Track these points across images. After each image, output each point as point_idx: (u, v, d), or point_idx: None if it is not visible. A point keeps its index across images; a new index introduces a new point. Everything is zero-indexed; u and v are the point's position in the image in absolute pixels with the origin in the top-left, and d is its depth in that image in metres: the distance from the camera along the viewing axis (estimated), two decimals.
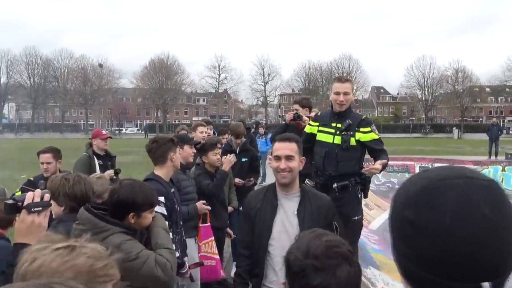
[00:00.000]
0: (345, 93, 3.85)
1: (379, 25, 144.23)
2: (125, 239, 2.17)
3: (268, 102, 77.24)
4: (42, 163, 4.38)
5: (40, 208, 1.66)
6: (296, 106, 5.16)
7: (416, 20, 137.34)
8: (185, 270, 3.28)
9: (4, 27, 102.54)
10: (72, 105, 70.48)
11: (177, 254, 3.14)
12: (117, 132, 57.99)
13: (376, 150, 3.88)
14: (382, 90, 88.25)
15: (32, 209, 1.64)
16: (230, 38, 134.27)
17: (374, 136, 3.89)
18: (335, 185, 3.86)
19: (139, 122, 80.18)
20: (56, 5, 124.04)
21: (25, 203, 1.65)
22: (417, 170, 13.09)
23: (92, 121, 74.00)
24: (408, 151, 22.50)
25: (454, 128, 56.04)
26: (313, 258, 1.26)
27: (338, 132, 3.89)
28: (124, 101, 77.35)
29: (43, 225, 1.67)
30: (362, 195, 3.98)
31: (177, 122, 68.35)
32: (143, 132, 59.78)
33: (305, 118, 4.74)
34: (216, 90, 76.70)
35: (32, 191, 1.70)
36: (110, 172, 4.92)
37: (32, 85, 69.75)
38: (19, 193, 3.31)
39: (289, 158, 2.49)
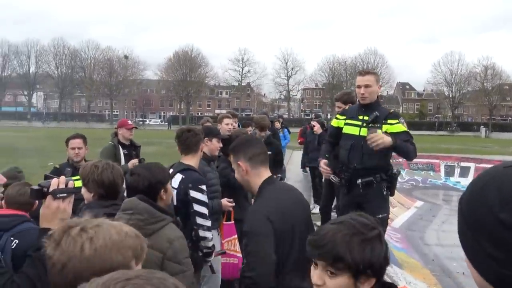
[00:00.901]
0: (366, 86, 3.80)
1: (405, 21, 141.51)
2: (178, 236, 2.26)
3: (291, 96, 76.88)
4: (73, 148, 4.44)
5: (65, 194, 1.70)
6: (339, 104, 5.09)
7: (443, 16, 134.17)
8: (211, 259, 3.30)
9: (34, 18, 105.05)
10: (98, 96, 71.77)
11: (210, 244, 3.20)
12: (141, 123, 58.76)
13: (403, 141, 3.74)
14: (407, 87, 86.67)
15: (57, 195, 1.68)
16: (254, 31, 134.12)
17: (402, 127, 3.77)
18: (359, 180, 3.80)
19: (162, 114, 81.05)
20: None
21: (51, 189, 1.68)
22: (442, 169, 12.84)
23: (117, 111, 75.14)
24: (433, 149, 22.03)
25: (482, 126, 54.63)
26: None
27: (364, 124, 3.83)
28: (148, 93, 78.29)
29: (68, 211, 1.71)
30: (389, 193, 3.90)
31: (200, 114, 68.88)
32: (166, 123, 60.40)
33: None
34: (239, 83, 76.76)
35: (56, 178, 1.73)
36: (135, 161, 4.99)
37: (60, 75, 71.40)
38: None
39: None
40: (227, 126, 5.38)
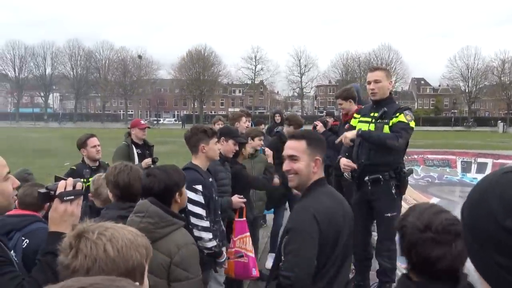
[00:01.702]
0: (376, 81, 3.82)
1: (419, 16, 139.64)
2: (188, 241, 2.25)
3: (304, 93, 76.61)
4: (94, 146, 4.49)
5: (72, 197, 1.66)
6: (339, 101, 5.09)
7: (458, 10, 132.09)
8: (223, 259, 3.29)
9: (50, 21, 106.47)
10: (113, 96, 72.57)
11: (215, 243, 3.18)
12: (155, 122, 59.19)
13: (392, 131, 3.70)
14: (422, 82, 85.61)
15: (64, 198, 1.65)
16: (266, 29, 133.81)
17: (400, 118, 3.70)
18: (366, 178, 3.81)
19: (176, 113, 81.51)
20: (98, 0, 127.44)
21: (57, 192, 1.65)
22: (459, 165, 12.65)
23: (132, 111, 75.84)
24: (449, 145, 21.74)
25: (499, 121, 53.68)
26: (434, 232, 1.46)
27: (373, 121, 3.85)
28: (162, 92, 78.81)
29: (76, 213, 1.68)
30: (398, 191, 3.84)
31: (213, 113, 69.04)
32: (180, 122, 60.74)
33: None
34: (252, 81, 76.76)
35: (64, 179, 1.71)
36: (148, 160, 5.03)
37: (75, 76, 72.38)
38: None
39: (292, 158, 2.22)
40: (245, 124, 5.37)
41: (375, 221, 4.16)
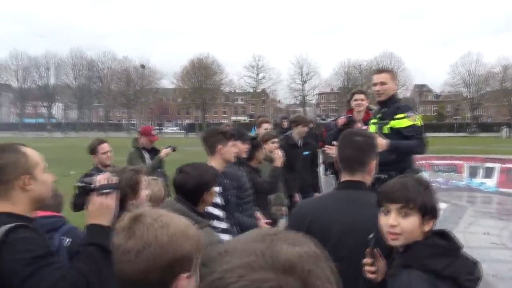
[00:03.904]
0: (381, 83, 3.83)
1: (420, 24, 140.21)
2: (212, 241, 2.22)
3: (306, 101, 76.69)
4: (105, 153, 4.52)
5: (108, 190, 1.72)
6: (362, 97, 5.07)
7: (459, 18, 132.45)
8: None
9: (53, 32, 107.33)
10: (115, 105, 72.79)
11: None
12: (157, 131, 59.22)
13: (406, 137, 3.65)
14: (424, 89, 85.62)
15: (101, 191, 1.71)
16: (268, 38, 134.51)
17: (407, 122, 3.68)
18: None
19: (179, 122, 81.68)
20: (101, 10, 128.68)
21: (94, 185, 1.72)
22: (465, 170, 12.57)
23: (134, 120, 76.03)
24: (454, 151, 21.66)
25: (503, 127, 53.53)
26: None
27: (378, 121, 3.88)
28: (165, 101, 79.05)
29: (112, 206, 1.73)
30: None
31: (215, 121, 69.13)
32: (183, 131, 60.82)
33: (358, 124, 4.66)
34: (254, 90, 76.95)
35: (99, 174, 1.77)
36: (168, 150, 5.05)
37: (78, 86, 72.68)
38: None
39: None
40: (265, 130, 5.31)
41: None
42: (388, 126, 3.74)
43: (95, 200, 1.70)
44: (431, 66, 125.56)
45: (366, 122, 4.75)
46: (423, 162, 11.73)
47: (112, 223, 1.69)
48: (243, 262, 0.65)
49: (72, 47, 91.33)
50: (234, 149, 3.39)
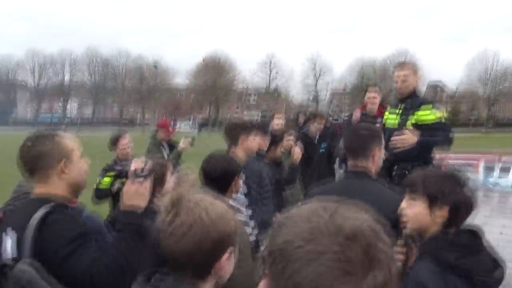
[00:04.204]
0: (403, 80, 3.85)
1: (434, 21, 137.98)
2: (242, 232, 2.20)
3: (319, 98, 76.32)
4: (124, 146, 4.57)
5: (144, 175, 1.78)
6: (375, 93, 5.08)
7: (474, 15, 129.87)
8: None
9: (68, 30, 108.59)
10: (130, 102, 73.39)
11: (254, 238, 3.18)
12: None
13: (432, 132, 3.64)
14: (439, 86, 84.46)
15: (137, 176, 1.78)
16: (281, 34, 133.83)
17: (433, 117, 3.68)
18: (393, 172, 3.80)
19: (192, 117, 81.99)
20: (115, 8, 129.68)
21: (131, 171, 1.79)
22: (481, 169, 12.41)
23: (148, 117, 76.54)
24: (469, 149, 21.37)
25: None
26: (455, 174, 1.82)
27: (399, 113, 3.89)
28: (178, 97, 79.41)
29: (146, 191, 1.80)
30: None
31: (228, 118, 69.23)
32: (196, 128, 61.00)
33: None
34: (267, 87, 76.81)
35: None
36: (188, 140, 5.15)
37: (93, 83, 73.46)
38: (107, 179, 3.55)
39: None
40: (277, 125, 5.30)
41: None
42: (412, 120, 3.74)
43: (131, 185, 1.76)
44: (446, 63, 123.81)
45: (380, 117, 4.78)
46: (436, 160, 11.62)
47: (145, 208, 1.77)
48: (308, 228, 0.66)
49: (88, 45, 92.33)
50: (257, 140, 3.40)
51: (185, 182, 2.96)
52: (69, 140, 1.87)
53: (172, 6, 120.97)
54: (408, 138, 3.55)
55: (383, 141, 2.41)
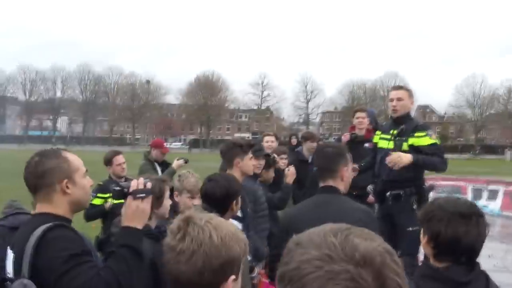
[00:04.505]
0: (398, 99, 3.91)
1: (423, 44, 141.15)
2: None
3: (310, 119, 76.94)
4: (119, 164, 4.59)
5: (144, 195, 1.79)
6: (361, 115, 5.17)
7: (462, 39, 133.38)
8: (254, 274, 3.24)
9: (61, 46, 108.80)
10: (120, 119, 73.24)
11: (249, 258, 3.13)
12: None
13: (428, 155, 3.75)
14: (428, 110, 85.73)
15: (137, 195, 1.78)
16: (274, 55, 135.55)
17: (429, 140, 3.79)
18: (388, 193, 3.88)
19: (183, 137, 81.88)
20: (109, 25, 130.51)
21: (131, 190, 1.79)
22: (469, 192, 12.54)
23: (139, 135, 76.33)
24: (458, 172, 21.59)
25: (507, 149, 53.36)
26: (462, 211, 1.64)
27: (392, 138, 3.93)
28: (169, 117, 79.44)
29: (146, 210, 1.81)
30: (419, 206, 3.90)
31: (219, 137, 69.33)
32: (187, 146, 60.91)
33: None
34: (258, 107, 77.31)
35: (136, 179, 1.86)
36: (180, 161, 5.12)
37: (84, 100, 73.33)
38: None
39: None
40: (267, 144, 5.26)
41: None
42: (408, 143, 3.81)
43: (131, 204, 1.78)
44: (434, 86, 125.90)
45: (368, 139, 4.87)
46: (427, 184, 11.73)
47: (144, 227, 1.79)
48: (320, 253, 0.67)
49: (80, 61, 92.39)
50: (252, 162, 3.38)
51: (186, 182, 3.00)
52: (74, 158, 1.88)
53: (165, 25, 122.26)
54: (403, 156, 3.65)
55: (350, 159, 2.48)
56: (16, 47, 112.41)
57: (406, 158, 3.63)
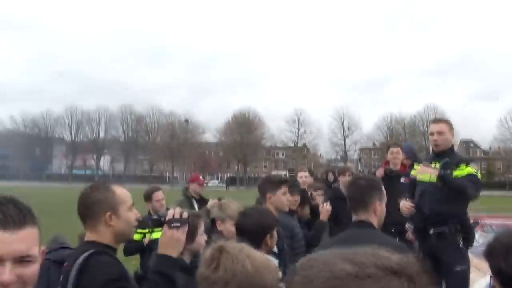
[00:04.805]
0: (439, 133, 3.85)
1: (463, 78, 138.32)
2: None
3: (348, 156, 75.98)
4: (158, 200, 4.74)
5: (179, 224, 1.86)
6: (395, 149, 5.11)
7: (504, 71, 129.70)
8: None
9: (105, 87, 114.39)
10: (160, 158, 75.04)
11: None
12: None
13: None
14: (472, 144, 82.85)
15: (172, 224, 1.85)
16: (310, 91, 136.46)
17: (469, 170, 3.70)
18: (431, 231, 3.71)
19: (220, 175, 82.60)
20: (150, 67, 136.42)
21: (167, 218, 1.87)
22: None
23: (177, 173, 77.69)
24: (506, 210, 20.49)
25: None
26: None
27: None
28: (207, 155, 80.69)
29: (181, 239, 1.87)
30: (466, 244, 3.71)
31: (256, 175, 69.41)
32: (224, 185, 61.30)
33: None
34: (295, 144, 77.28)
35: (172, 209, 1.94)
36: (214, 201, 5.18)
37: (126, 139, 76.01)
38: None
39: None
40: (301, 179, 5.24)
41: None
42: (453, 175, 3.73)
43: (167, 232, 1.85)
44: (477, 121, 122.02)
45: (403, 174, 4.77)
46: (473, 221, 11.19)
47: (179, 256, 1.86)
48: (352, 265, 0.65)
49: (122, 102, 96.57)
50: (286, 197, 3.36)
51: (228, 210, 3.02)
52: (121, 191, 1.99)
53: (204, 65, 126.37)
54: (429, 168, 3.69)
55: (384, 193, 2.41)
56: (64, 89, 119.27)
57: (432, 170, 3.64)
